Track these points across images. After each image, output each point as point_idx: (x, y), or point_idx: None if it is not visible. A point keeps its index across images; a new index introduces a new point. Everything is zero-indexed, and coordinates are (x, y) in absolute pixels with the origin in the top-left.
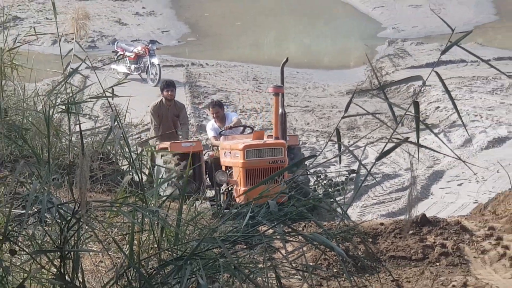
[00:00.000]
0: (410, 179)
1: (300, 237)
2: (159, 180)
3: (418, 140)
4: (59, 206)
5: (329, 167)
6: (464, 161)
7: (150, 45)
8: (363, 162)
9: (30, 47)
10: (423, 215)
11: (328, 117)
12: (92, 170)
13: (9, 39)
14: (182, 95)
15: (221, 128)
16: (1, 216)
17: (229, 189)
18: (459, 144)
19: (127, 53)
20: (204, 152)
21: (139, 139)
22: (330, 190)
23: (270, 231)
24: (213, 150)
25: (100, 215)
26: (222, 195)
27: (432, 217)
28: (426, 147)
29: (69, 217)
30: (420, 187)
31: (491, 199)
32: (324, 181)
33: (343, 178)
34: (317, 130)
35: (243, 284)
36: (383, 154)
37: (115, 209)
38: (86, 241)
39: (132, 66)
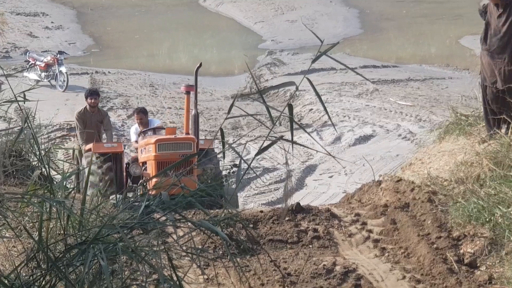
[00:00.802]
0: (286, 173)
1: (189, 223)
2: (65, 175)
3: (292, 138)
4: None
5: None
6: (334, 156)
7: (58, 55)
8: (245, 158)
9: None
10: (298, 204)
11: (215, 118)
12: (5, 166)
13: None
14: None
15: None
16: None
17: (144, 183)
18: (330, 141)
19: (38, 63)
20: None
21: (48, 138)
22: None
23: (163, 218)
24: (136, 153)
25: (12, 206)
26: (137, 189)
27: (306, 205)
28: (300, 144)
29: None
30: (296, 179)
31: (357, 189)
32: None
33: (226, 172)
34: (206, 130)
35: (139, 265)
36: (262, 150)
37: (26, 200)
38: (0, 228)
39: (43, 74)
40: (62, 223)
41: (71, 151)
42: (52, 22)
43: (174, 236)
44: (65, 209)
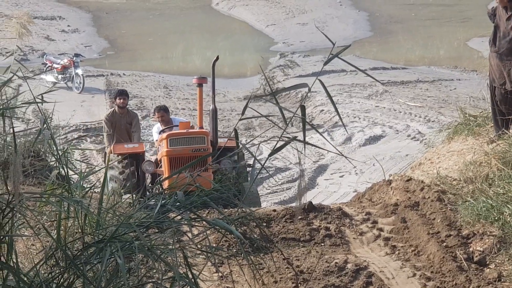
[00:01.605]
0: (299, 172)
1: (204, 222)
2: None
3: (304, 139)
4: None
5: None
6: (345, 156)
7: (74, 58)
8: (258, 158)
9: None
10: (310, 203)
11: (228, 119)
12: (24, 166)
13: None
14: (102, 101)
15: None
16: None
17: (159, 181)
18: (341, 141)
19: (55, 65)
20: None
21: (65, 139)
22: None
23: (179, 217)
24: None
25: (31, 205)
26: (154, 189)
27: (318, 204)
28: (311, 145)
29: (4, 207)
30: (308, 178)
31: (367, 188)
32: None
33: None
34: (219, 130)
35: (155, 263)
36: (275, 150)
37: (44, 200)
38: (19, 227)
39: (59, 76)
40: (80, 222)
41: (87, 151)
42: (68, 26)
43: (189, 235)
44: (82, 208)
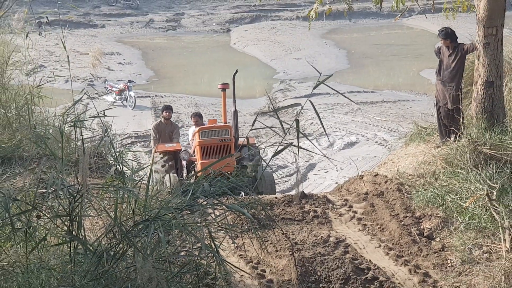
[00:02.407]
0: (296, 169)
1: (223, 206)
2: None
3: (298, 144)
4: (68, 187)
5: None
6: (327, 157)
7: (128, 83)
8: (264, 158)
9: (50, 84)
10: (303, 192)
11: (242, 129)
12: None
13: (37, 79)
14: (149, 115)
15: None
16: (31, 193)
17: (193, 166)
18: (325, 146)
19: (113, 89)
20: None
21: (121, 143)
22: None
23: (205, 202)
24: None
25: (95, 193)
26: (185, 169)
27: (308, 193)
28: (304, 148)
29: (75, 194)
30: (301, 173)
31: (345, 181)
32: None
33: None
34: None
35: (187, 236)
36: (276, 153)
37: (105, 189)
38: (87, 209)
39: (117, 97)
40: (131, 205)
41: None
42: (124, 59)
43: (213, 215)
44: (133, 195)
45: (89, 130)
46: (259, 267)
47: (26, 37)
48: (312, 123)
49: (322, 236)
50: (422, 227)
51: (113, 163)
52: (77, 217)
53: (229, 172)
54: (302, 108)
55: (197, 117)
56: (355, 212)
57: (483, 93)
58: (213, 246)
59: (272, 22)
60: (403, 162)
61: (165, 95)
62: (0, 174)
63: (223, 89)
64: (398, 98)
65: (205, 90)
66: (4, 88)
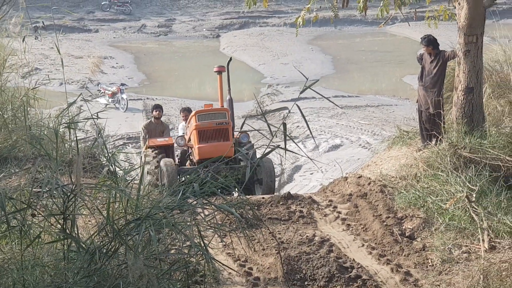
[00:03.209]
0: (281, 170)
1: (212, 206)
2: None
3: (285, 146)
4: (63, 187)
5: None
6: (311, 160)
7: (121, 86)
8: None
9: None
10: (289, 193)
11: None
12: (84, 164)
13: (32, 82)
14: (140, 117)
15: None
16: (26, 192)
17: (189, 152)
18: (311, 148)
19: (106, 91)
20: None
21: (113, 145)
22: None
23: (195, 202)
24: (182, 146)
25: (88, 192)
26: (180, 155)
27: (294, 194)
28: (290, 151)
29: (69, 193)
30: (287, 175)
31: (330, 183)
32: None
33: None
34: None
35: (177, 235)
36: (264, 155)
37: (98, 188)
38: (80, 208)
39: (110, 100)
40: (123, 205)
41: (129, 154)
42: (116, 63)
43: (202, 215)
44: (125, 195)
45: (83, 132)
46: (247, 265)
47: (23, 41)
48: (298, 126)
49: (307, 236)
50: (404, 227)
51: (106, 163)
52: (70, 216)
53: (228, 157)
54: (289, 111)
55: (187, 112)
56: (340, 212)
57: (463, 98)
58: (202, 245)
59: (260, 28)
60: (386, 164)
61: (156, 98)
62: None
63: (219, 72)
64: (382, 103)
65: (195, 93)
66: (1, 90)
